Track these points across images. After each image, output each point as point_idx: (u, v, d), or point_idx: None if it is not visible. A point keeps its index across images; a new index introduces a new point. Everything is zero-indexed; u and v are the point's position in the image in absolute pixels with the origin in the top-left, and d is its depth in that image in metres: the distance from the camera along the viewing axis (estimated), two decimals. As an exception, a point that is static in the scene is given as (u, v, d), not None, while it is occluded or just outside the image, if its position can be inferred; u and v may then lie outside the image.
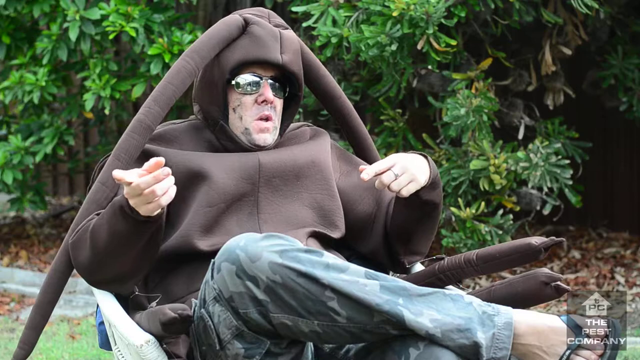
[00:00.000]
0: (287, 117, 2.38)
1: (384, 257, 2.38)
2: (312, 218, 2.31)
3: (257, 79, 2.31)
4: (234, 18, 2.32)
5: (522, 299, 2.08)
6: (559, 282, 2.11)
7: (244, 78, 2.31)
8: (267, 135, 2.31)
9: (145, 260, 2.13)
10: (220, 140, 2.33)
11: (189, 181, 2.24)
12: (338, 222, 2.34)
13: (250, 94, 2.31)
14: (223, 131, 2.32)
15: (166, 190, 1.97)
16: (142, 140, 2.23)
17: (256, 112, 2.31)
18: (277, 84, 2.33)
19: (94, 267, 2.13)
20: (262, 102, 2.30)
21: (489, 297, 2.11)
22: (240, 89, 2.31)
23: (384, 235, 2.37)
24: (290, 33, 2.34)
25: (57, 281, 2.25)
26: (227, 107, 2.32)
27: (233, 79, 2.31)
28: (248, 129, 2.31)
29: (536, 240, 2.16)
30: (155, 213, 2.01)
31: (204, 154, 2.29)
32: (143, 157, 2.28)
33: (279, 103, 2.33)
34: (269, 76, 2.31)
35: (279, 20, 2.37)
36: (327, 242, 2.32)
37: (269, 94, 2.30)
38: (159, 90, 2.26)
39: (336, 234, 2.33)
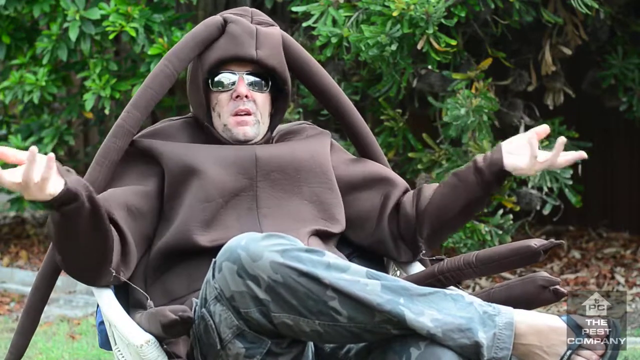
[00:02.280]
0: (276, 112, 2.39)
1: (390, 246, 2.38)
2: (312, 212, 2.31)
3: (232, 75, 2.32)
4: (215, 19, 2.35)
5: (520, 303, 2.07)
6: (557, 286, 2.11)
7: (220, 76, 2.33)
8: (247, 127, 2.32)
9: (100, 244, 2.07)
10: (210, 141, 2.34)
11: (184, 175, 2.25)
12: (338, 215, 2.35)
13: (226, 91, 2.33)
14: (209, 132, 2.34)
15: (28, 173, 1.84)
16: (123, 144, 2.26)
17: (232, 108, 2.32)
18: (256, 79, 2.34)
19: (63, 262, 2.12)
20: (237, 97, 2.31)
21: (487, 299, 2.10)
22: (216, 88, 2.33)
23: (393, 227, 2.37)
24: (270, 29, 2.35)
25: (44, 286, 2.27)
26: (210, 107, 2.34)
27: (211, 79, 2.33)
28: (226, 125, 2.33)
29: (535, 242, 2.16)
30: (57, 193, 1.91)
31: (200, 147, 2.30)
32: (140, 153, 2.30)
33: (259, 97, 2.34)
34: (246, 72, 2.33)
35: (263, 18, 2.38)
36: (328, 239, 2.32)
37: (241, 88, 2.31)
38: (138, 94, 2.30)
39: (337, 228, 2.34)
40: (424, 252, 2.37)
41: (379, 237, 2.38)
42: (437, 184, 2.39)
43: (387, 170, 2.46)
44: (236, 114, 2.32)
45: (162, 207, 2.27)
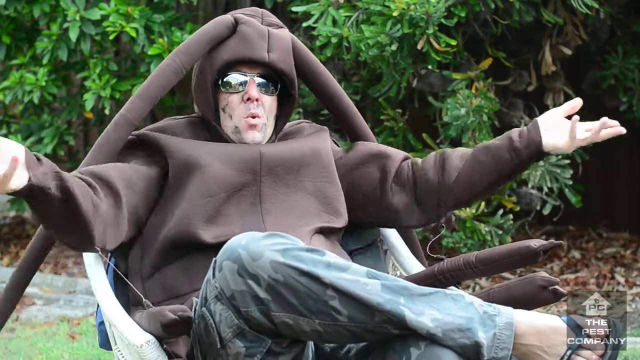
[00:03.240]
0: (283, 115, 2.40)
1: (401, 214, 2.39)
2: (316, 207, 2.32)
3: (243, 77, 2.32)
4: (225, 18, 2.35)
5: (519, 303, 2.07)
6: (556, 287, 2.11)
7: (231, 77, 2.33)
8: (256, 132, 2.32)
9: (77, 227, 2.05)
10: (215, 140, 2.34)
11: (188, 169, 2.25)
12: (341, 208, 2.36)
13: (237, 92, 2.33)
14: (216, 132, 2.34)
15: None
16: (123, 134, 2.26)
17: (244, 111, 2.32)
18: (266, 82, 2.34)
19: (49, 233, 2.16)
20: (247, 99, 2.31)
21: (487, 299, 2.10)
22: (226, 88, 2.33)
23: (402, 195, 2.38)
24: (281, 32, 2.35)
25: (32, 260, 2.29)
26: (218, 108, 2.34)
27: (221, 79, 2.32)
28: (238, 127, 2.33)
29: (535, 243, 2.15)
30: (19, 188, 1.87)
31: (204, 143, 2.31)
32: (145, 145, 2.31)
33: (268, 101, 2.34)
34: (256, 74, 2.33)
35: (273, 19, 2.38)
36: (331, 234, 2.33)
37: (252, 91, 2.31)
38: (143, 86, 2.30)
39: (340, 223, 2.34)
40: (442, 220, 2.37)
41: (387, 206, 2.39)
42: (463, 151, 2.37)
43: (380, 146, 2.46)
44: (248, 117, 2.31)
45: (158, 198, 2.27)
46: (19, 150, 1.86)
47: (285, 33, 2.37)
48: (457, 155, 2.38)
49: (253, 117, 2.32)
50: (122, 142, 2.26)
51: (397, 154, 2.45)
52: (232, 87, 2.33)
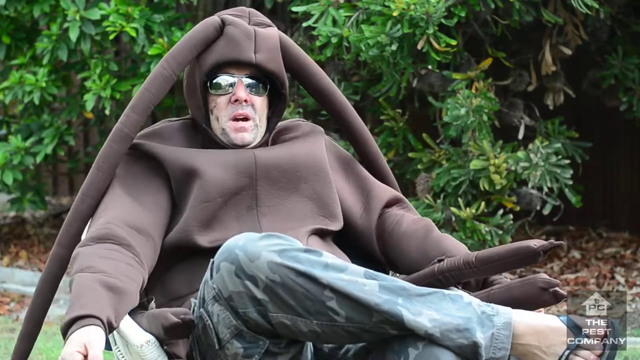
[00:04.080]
0: (275, 114, 2.39)
1: (379, 257, 2.39)
2: (311, 209, 2.31)
3: (231, 78, 2.32)
4: (212, 20, 2.34)
5: (519, 304, 2.07)
6: (557, 288, 2.10)
7: (219, 79, 2.32)
8: (245, 134, 2.32)
9: None
10: (208, 144, 2.33)
11: (187, 178, 2.25)
12: (337, 211, 2.35)
13: (225, 94, 2.32)
14: (207, 135, 2.34)
15: None
16: (122, 148, 2.26)
17: (231, 112, 2.31)
18: (255, 82, 2.33)
19: None
20: (235, 101, 2.31)
21: (487, 300, 2.10)
22: (215, 90, 2.32)
23: (378, 240, 2.38)
24: (268, 31, 2.34)
25: (48, 289, 2.27)
26: (207, 110, 2.33)
27: (209, 82, 2.32)
28: (225, 130, 2.32)
29: (535, 243, 2.14)
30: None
31: (199, 151, 2.30)
32: (141, 155, 2.30)
33: (258, 101, 2.33)
34: (245, 75, 2.32)
35: (261, 18, 2.37)
36: (327, 236, 2.32)
37: (240, 93, 2.30)
38: (136, 97, 2.29)
39: (336, 226, 2.34)
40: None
41: (365, 248, 2.38)
42: (445, 247, 2.30)
43: (373, 184, 2.44)
44: (235, 119, 2.31)
45: (173, 207, 2.28)
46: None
47: (272, 32, 2.35)
48: (432, 245, 2.30)
49: (243, 119, 2.31)
50: (120, 157, 2.26)
51: (385, 195, 2.42)
52: (220, 88, 2.32)
